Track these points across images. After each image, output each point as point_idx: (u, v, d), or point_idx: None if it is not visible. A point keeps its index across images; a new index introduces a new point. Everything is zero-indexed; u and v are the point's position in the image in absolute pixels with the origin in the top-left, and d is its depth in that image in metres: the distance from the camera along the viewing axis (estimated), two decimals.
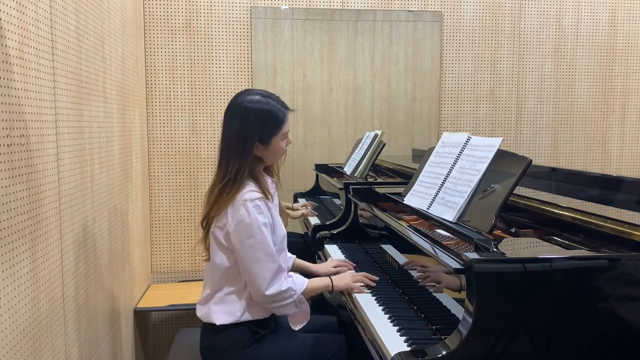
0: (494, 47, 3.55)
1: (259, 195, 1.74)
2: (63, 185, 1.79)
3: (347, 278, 1.89)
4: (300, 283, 1.81)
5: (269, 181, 1.85)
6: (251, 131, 1.74)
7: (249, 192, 1.73)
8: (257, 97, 1.77)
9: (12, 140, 1.41)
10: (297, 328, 1.86)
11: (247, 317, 1.79)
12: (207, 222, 1.82)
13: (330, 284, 1.88)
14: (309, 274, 2.02)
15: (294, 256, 2.11)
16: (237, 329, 1.79)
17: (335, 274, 1.97)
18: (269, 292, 1.72)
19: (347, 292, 1.87)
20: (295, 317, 1.85)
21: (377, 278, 1.89)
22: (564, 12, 3.58)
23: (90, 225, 2.09)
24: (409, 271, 1.80)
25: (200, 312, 1.86)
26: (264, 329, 1.83)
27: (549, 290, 1.23)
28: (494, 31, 3.53)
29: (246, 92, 1.81)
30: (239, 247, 1.73)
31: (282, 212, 2.04)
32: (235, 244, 1.74)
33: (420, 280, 1.68)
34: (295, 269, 2.09)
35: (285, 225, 2.09)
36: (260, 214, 1.72)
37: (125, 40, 2.71)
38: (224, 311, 1.80)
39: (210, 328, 1.83)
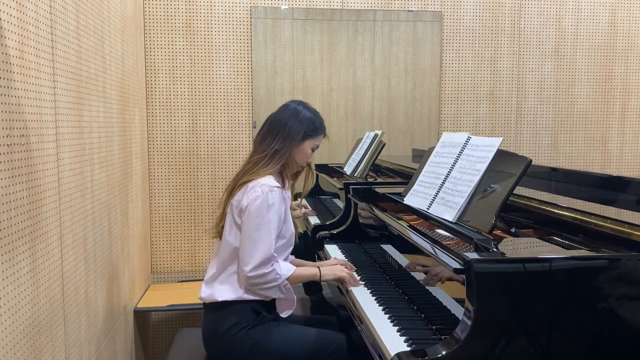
0: (494, 47, 3.55)
1: (278, 184, 1.87)
2: (63, 185, 1.79)
3: (336, 270, 1.95)
4: (286, 269, 1.87)
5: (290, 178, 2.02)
6: (299, 125, 1.95)
7: (269, 178, 1.87)
8: (310, 108, 2.03)
9: (12, 140, 1.41)
10: (284, 314, 1.92)
11: (249, 296, 1.85)
12: (237, 188, 1.90)
13: (318, 274, 1.94)
14: None
15: (292, 256, 2.13)
16: (239, 306, 1.85)
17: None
18: (251, 273, 1.79)
19: (347, 291, 1.88)
20: (281, 303, 1.91)
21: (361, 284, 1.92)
22: (564, 12, 3.58)
23: (90, 225, 2.09)
24: (411, 273, 1.80)
25: (204, 293, 1.92)
26: (267, 312, 1.85)
27: (548, 290, 1.23)
28: (494, 31, 3.53)
29: (300, 102, 2.04)
30: (245, 224, 1.82)
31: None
32: (243, 220, 1.83)
33: (424, 281, 1.68)
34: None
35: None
36: (273, 199, 1.82)
37: (125, 40, 2.71)
38: (227, 289, 1.87)
39: (212, 308, 1.89)
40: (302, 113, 1.97)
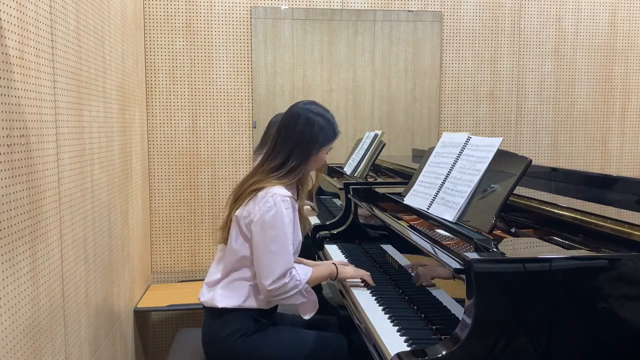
0: (494, 47, 3.55)
1: (289, 194, 1.82)
2: (63, 185, 1.79)
3: (351, 268, 1.94)
4: (304, 273, 1.84)
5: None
6: (315, 137, 1.87)
7: (281, 188, 1.81)
8: (320, 110, 1.93)
9: (12, 140, 1.41)
10: (307, 317, 1.89)
11: (250, 304, 1.83)
12: (242, 198, 1.84)
13: (335, 271, 1.92)
14: None
15: None
16: (239, 313, 1.83)
17: None
18: (272, 287, 1.75)
19: (347, 291, 1.88)
20: (305, 306, 1.88)
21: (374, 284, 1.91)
22: (564, 12, 3.58)
23: (90, 225, 2.09)
24: (408, 269, 1.80)
25: (204, 297, 1.89)
26: (266, 318, 1.85)
27: (548, 290, 1.23)
28: (494, 31, 3.53)
29: (308, 103, 1.95)
30: (259, 237, 1.77)
31: (304, 219, 2.03)
32: (255, 233, 1.78)
33: (417, 283, 1.68)
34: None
35: (305, 232, 2.08)
36: (286, 209, 1.78)
37: (125, 40, 2.71)
38: (229, 296, 1.84)
39: (212, 314, 1.87)
40: (316, 123, 1.88)
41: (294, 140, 1.86)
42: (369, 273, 1.92)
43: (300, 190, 1.94)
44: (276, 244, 1.75)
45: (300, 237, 1.91)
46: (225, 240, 1.90)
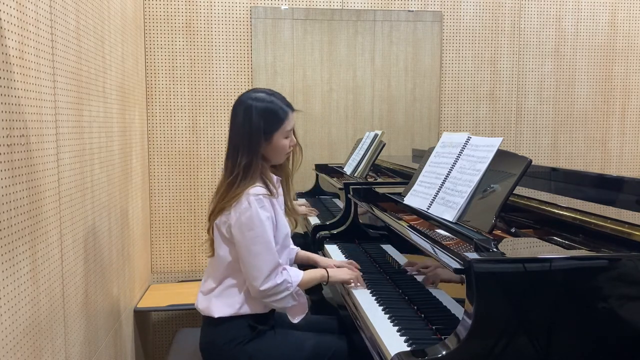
0: (494, 47, 3.55)
1: (264, 191, 1.77)
2: (63, 185, 1.79)
3: (343, 272, 1.92)
4: (295, 275, 1.82)
5: (273, 179, 1.86)
6: (256, 126, 1.76)
7: (255, 187, 1.76)
8: (261, 95, 1.81)
9: (12, 140, 1.41)
10: (296, 320, 1.88)
11: (246, 310, 1.82)
12: (213, 215, 1.83)
13: (326, 275, 1.90)
14: (314, 265, 2.05)
15: (298, 248, 2.12)
16: (235, 322, 1.81)
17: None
18: (264, 286, 1.74)
19: (347, 291, 1.88)
20: (294, 309, 1.87)
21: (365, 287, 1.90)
22: (564, 12, 3.58)
23: (90, 225, 2.09)
24: (408, 269, 1.80)
25: (201, 305, 1.88)
26: (263, 324, 1.84)
27: (548, 291, 1.23)
28: (494, 31, 3.53)
29: (252, 90, 1.86)
30: (239, 240, 1.75)
31: (294, 211, 2.01)
32: (235, 236, 1.76)
33: (421, 282, 1.68)
34: (300, 260, 2.11)
35: (295, 226, 2.05)
36: (261, 208, 1.74)
37: (125, 40, 2.70)
38: (224, 304, 1.82)
39: (209, 322, 1.86)
40: (253, 108, 1.75)
41: (238, 135, 1.77)
42: (359, 273, 1.92)
43: (271, 187, 1.81)
44: (258, 245, 1.73)
45: (286, 230, 1.88)
46: (213, 251, 1.88)
